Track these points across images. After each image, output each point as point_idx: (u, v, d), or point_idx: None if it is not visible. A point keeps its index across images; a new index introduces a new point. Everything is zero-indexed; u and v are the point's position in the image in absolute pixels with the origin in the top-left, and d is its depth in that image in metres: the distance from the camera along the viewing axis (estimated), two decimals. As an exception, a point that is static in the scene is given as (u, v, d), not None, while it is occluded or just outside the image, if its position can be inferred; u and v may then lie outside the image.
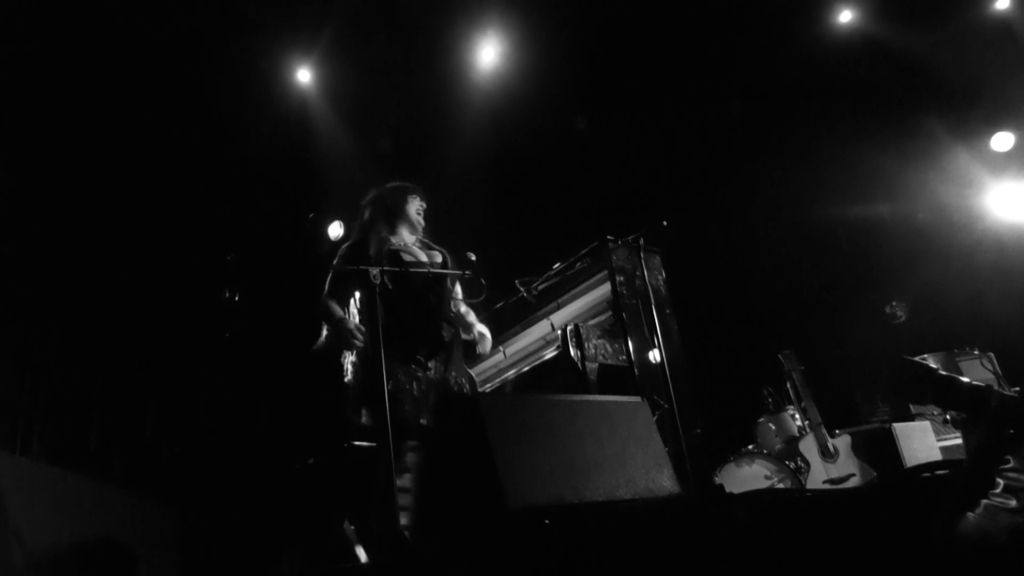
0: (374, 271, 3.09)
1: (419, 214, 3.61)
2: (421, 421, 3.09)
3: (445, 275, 3.42)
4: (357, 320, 3.39)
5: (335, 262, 3.45)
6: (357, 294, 3.48)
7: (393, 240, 3.48)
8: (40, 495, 3.91)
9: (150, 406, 5.97)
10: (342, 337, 3.26)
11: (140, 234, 5.97)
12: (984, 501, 1.70)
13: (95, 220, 5.84)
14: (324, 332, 3.43)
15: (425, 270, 3.35)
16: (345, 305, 3.46)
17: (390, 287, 3.24)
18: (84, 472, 4.80)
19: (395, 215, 3.55)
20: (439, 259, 3.51)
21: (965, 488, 1.77)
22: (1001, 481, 1.71)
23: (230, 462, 5.84)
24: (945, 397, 2.05)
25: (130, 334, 5.87)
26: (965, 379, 2.10)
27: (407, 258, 3.39)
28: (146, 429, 5.90)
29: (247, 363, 5.78)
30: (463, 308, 3.64)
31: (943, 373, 2.04)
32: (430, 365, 3.28)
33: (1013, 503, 1.67)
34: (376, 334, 3.11)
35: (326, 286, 3.42)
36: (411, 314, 3.25)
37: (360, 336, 3.19)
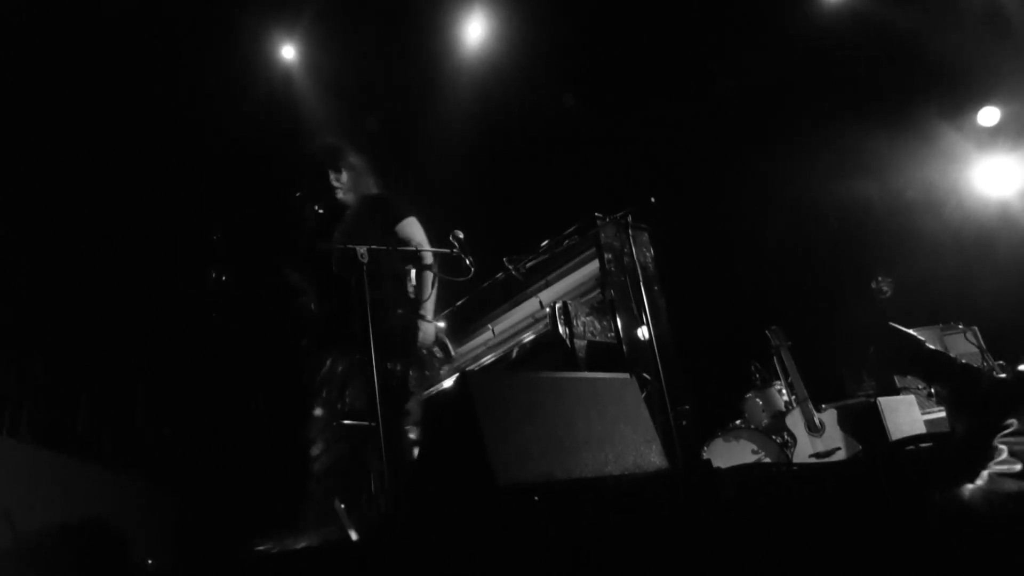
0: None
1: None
2: (339, 407, 3.12)
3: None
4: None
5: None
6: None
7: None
8: (29, 477, 3.90)
9: (139, 388, 5.96)
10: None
11: (125, 215, 5.92)
12: (985, 472, 1.67)
13: (80, 202, 5.78)
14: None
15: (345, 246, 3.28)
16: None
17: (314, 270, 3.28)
18: (74, 454, 4.80)
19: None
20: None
21: (958, 462, 1.75)
22: (1004, 447, 1.68)
23: (220, 442, 5.84)
24: (932, 372, 2.02)
25: (118, 316, 5.84)
26: (954, 356, 2.09)
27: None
28: (135, 410, 5.89)
29: (235, 343, 5.76)
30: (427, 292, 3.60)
31: (932, 347, 2.01)
32: (360, 351, 3.26)
33: (1019, 467, 1.65)
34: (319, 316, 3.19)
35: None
36: (334, 298, 3.25)
37: None
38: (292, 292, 3.59)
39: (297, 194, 3.66)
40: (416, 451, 3.37)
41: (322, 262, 3.44)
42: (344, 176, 3.75)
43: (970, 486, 1.66)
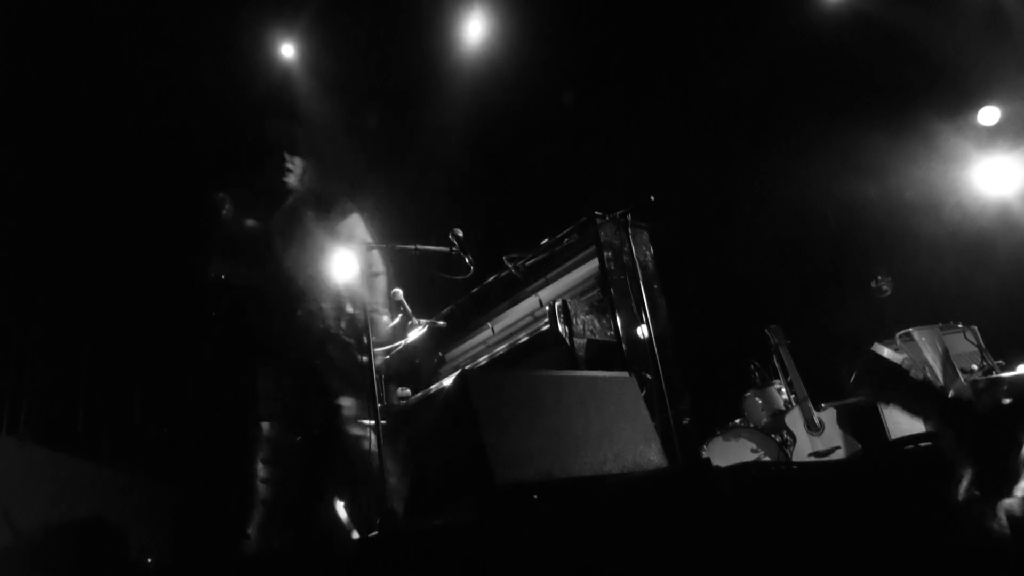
0: None
1: None
2: (264, 424, 3.12)
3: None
4: None
5: None
6: None
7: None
8: (28, 475, 3.91)
9: (137, 385, 5.95)
10: None
11: (124, 212, 5.92)
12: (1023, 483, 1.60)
13: (78, 199, 5.78)
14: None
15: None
16: None
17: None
18: (72, 452, 4.79)
19: None
20: None
21: (983, 486, 1.68)
22: None
23: (218, 440, 5.83)
24: (918, 406, 1.90)
25: (116, 313, 5.83)
26: (940, 386, 1.99)
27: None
28: (133, 408, 5.89)
29: (233, 341, 5.76)
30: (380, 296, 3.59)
31: (918, 378, 1.87)
32: (299, 359, 3.26)
33: None
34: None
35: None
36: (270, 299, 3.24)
37: None
38: (227, 287, 3.56)
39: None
40: (367, 445, 3.35)
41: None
42: (298, 162, 3.72)
43: (1009, 500, 1.59)
